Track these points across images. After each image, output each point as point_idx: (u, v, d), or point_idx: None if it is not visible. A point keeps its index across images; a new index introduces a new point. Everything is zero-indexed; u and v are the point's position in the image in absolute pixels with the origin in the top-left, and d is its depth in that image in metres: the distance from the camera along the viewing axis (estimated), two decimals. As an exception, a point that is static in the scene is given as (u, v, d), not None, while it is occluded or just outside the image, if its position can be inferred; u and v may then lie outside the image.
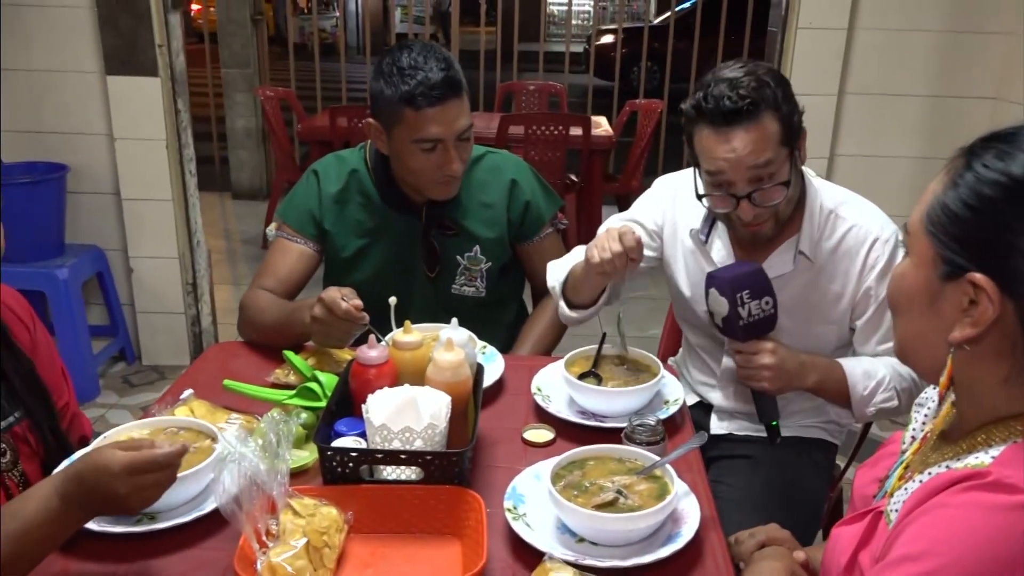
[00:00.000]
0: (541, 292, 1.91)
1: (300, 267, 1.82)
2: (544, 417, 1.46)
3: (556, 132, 4.44)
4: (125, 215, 3.30)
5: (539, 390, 1.52)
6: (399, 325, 1.43)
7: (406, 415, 1.18)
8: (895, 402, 1.52)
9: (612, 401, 1.44)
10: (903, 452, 1.03)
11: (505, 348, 1.87)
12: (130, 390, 3.32)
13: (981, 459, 0.80)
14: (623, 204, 5.10)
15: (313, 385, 1.41)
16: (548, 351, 1.88)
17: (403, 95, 1.62)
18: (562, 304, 1.67)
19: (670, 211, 1.71)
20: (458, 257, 1.86)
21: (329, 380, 1.42)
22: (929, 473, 0.88)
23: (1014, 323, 0.80)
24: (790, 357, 1.46)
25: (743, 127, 1.41)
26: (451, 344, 1.26)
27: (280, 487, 1.08)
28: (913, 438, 1.04)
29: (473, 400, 1.30)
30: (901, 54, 3.14)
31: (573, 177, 4.78)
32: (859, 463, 1.24)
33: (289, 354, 1.54)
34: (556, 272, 1.71)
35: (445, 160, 1.68)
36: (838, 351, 1.64)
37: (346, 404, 1.33)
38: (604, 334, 1.61)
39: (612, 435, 1.37)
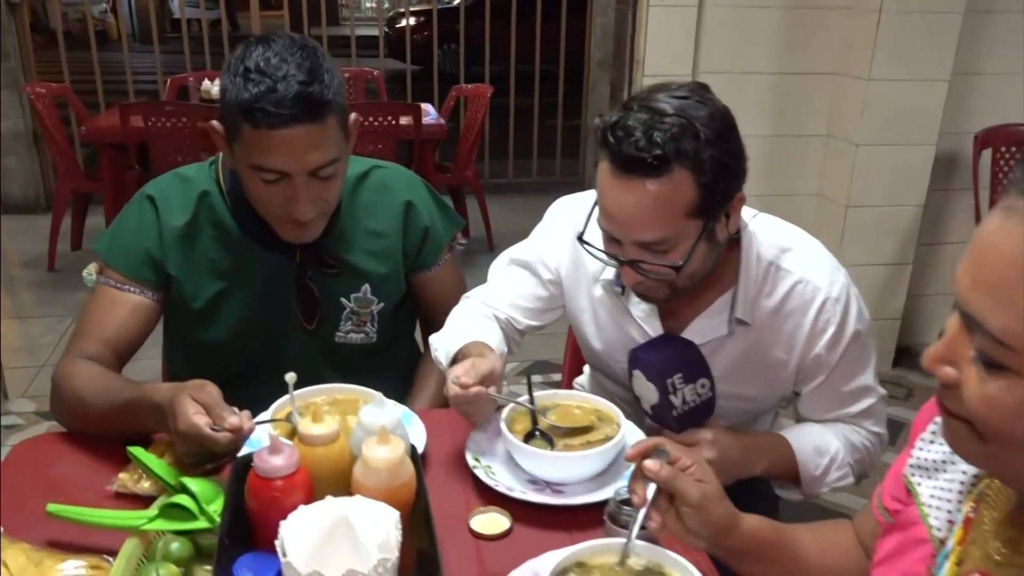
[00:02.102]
0: (438, 326, 1.55)
1: (135, 323, 1.39)
2: (489, 494, 1.17)
3: (385, 122, 4.10)
4: None
5: (477, 460, 1.22)
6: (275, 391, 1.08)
7: (340, 548, 0.84)
8: (850, 478, 1.36)
9: (572, 468, 1.17)
10: (940, 540, 0.83)
11: (400, 394, 1.55)
12: None
13: None
14: (456, 196, 4.83)
15: (183, 499, 1.03)
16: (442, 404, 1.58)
17: (242, 105, 1.23)
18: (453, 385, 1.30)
19: (571, 252, 1.41)
20: (343, 299, 1.50)
21: (204, 489, 1.04)
22: None
23: None
24: (732, 445, 1.25)
25: (642, 182, 1.12)
26: (386, 434, 0.93)
27: None
28: (951, 522, 0.84)
29: (420, 500, 0.98)
30: (749, 31, 3.07)
31: (404, 170, 4.45)
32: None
33: (136, 451, 1.13)
34: (439, 351, 1.39)
35: (290, 198, 1.30)
36: (773, 410, 1.48)
37: (242, 531, 0.95)
38: (529, 377, 1.33)
39: (581, 514, 1.11)
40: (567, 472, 1.17)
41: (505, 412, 1.24)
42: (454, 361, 1.32)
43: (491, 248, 4.75)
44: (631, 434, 1.25)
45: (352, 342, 1.52)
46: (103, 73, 5.44)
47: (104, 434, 1.26)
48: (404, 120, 4.14)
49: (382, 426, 0.93)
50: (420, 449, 1.22)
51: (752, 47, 3.10)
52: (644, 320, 1.35)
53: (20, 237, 4.97)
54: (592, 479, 1.17)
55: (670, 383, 1.19)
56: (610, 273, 1.37)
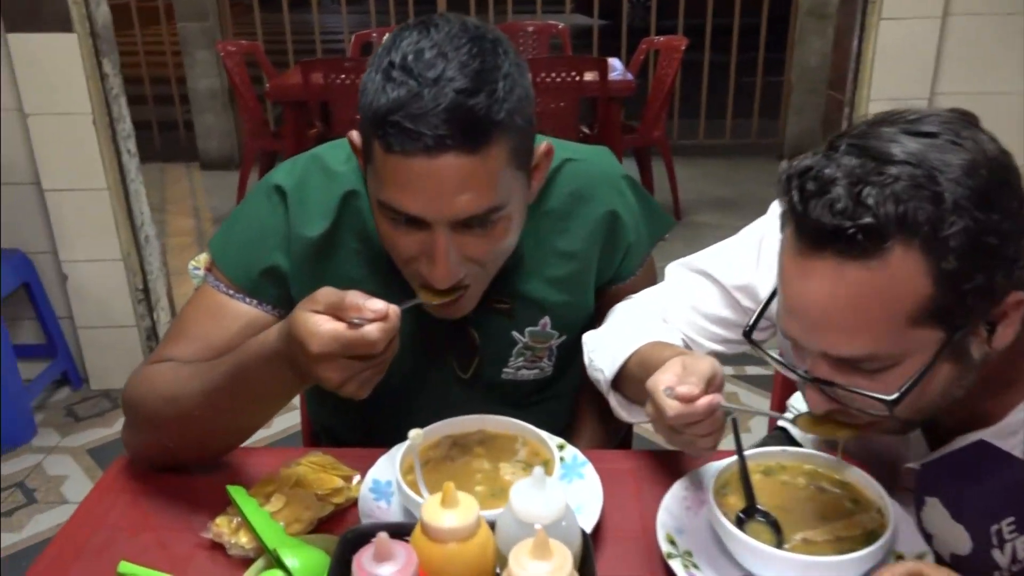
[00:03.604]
0: None
1: (247, 337, 1.01)
2: (687, 596, 0.84)
3: (568, 78, 3.78)
4: (50, 210, 2.63)
5: (673, 544, 0.88)
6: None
7: None
8: None
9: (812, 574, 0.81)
10: None
11: (566, 422, 1.25)
12: (75, 426, 2.69)
13: None
14: (642, 158, 4.45)
15: (277, 577, 0.78)
16: (617, 435, 1.27)
17: (376, 114, 0.88)
18: (616, 404, 1.04)
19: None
20: (515, 334, 1.14)
21: (305, 563, 0.78)
22: None
23: None
24: None
25: (840, 265, 0.73)
26: (546, 543, 0.62)
27: None
28: None
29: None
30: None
31: (585, 129, 4.14)
32: None
33: (236, 492, 0.90)
34: (600, 355, 1.06)
35: (428, 250, 0.93)
36: None
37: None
38: (735, 421, 0.96)
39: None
40: (803, 578, 0.81)
41: (716, 472, 0.90)
42: (619, 374, 1.01)
43: (678, 217, 4.34)
44: (904, 527, 0.85)
45: (522, 379, 1.18)
46: (295, 33, 5.47)
47: (203, 442, 0.99)
48: (589, 76, 3.83)
49: (539, 530, 0.62)
50: (594, 519, 0.90)
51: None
52: None
53: (214, 194, 5.13)
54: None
55: (995, 531, 0.79)
56: None
